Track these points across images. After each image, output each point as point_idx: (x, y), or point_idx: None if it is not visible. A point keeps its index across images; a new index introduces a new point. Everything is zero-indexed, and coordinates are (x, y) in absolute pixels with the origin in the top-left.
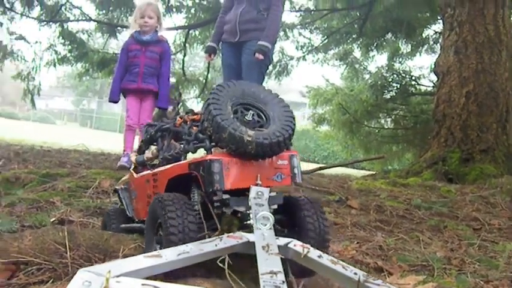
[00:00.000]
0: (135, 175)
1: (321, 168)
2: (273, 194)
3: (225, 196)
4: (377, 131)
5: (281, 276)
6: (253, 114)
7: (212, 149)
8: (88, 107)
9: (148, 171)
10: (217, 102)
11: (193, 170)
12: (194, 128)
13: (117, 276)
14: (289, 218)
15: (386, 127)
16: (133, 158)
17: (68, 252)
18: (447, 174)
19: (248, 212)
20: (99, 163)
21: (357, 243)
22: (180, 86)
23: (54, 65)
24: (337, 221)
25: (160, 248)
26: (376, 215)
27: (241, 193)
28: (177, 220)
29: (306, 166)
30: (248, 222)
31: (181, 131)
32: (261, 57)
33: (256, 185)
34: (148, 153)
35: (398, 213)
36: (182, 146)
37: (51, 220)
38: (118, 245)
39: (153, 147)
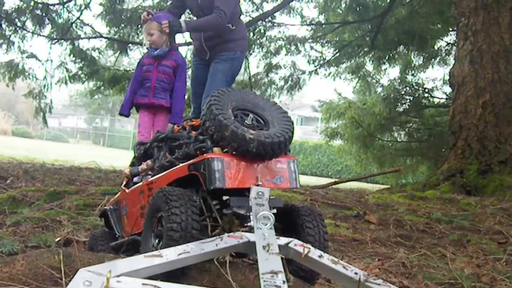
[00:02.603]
0: (126, 190)
1: (336, 183)
2: (273, 197)
3: (225, 197)
4: (390, 144)
5: (282, 276)
6: (252, 119)
7: (213, 149)
8: (101, 125)
9: (142, 183)
10: (219, 103)
11: (194, 170)
12: (193, 132)
13: (118, 275)
14: (289, 226)
15: (400, 140)
16: (126, 170)
17: (64, 279)
18: (465, 187)
19: (248, 214)
20: (111, 180)
21: (379, 260)
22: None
23: (66, 83)
24: (356, 237)
25: (159, 243)
26: (396, 230)
27: (241, 194)
28: (180, 216)
29: (320, 181)
30: (249, 224)
31: (180, 136)
32: (166, 29)
33: (257, 185)
34: (143, 165)
35: (419, 227)
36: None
37: (56, 240)
38: None
39: (148, 161)
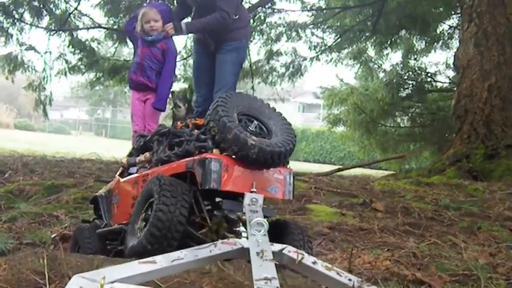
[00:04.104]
0: (120, 179)
1: (339, 170)
2: (265, 206)
3: (218, 199)
4: (393, 130)
5: (275, 283)
6: (256, 126)
7: (213, 150)
8: (102, 116)
9: (137, 174)
10: (225, 106)
11: (191, 168)
12: (196, 130)
13: (112, 282)
14: (276, 241)
15: (403, 126)
16: (124, 160)
17: (47, 285)
18: (472, 172)
19: (237, 218)
20: (112, 171)
21: (388, 250)
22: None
23: (65, 74)
24: (363, 226)
25: (145, 226)
26: (404, 218)
27: (235, 198)
28: (169, 207)
29: (323, 168)
30: (237, 229)
31: (182, 133)
32: (171, 31)
33: (251, 192)
34: (141, 157)
35: (427, 215)
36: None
37: (52, 236)
38: None
39: (146, 153)
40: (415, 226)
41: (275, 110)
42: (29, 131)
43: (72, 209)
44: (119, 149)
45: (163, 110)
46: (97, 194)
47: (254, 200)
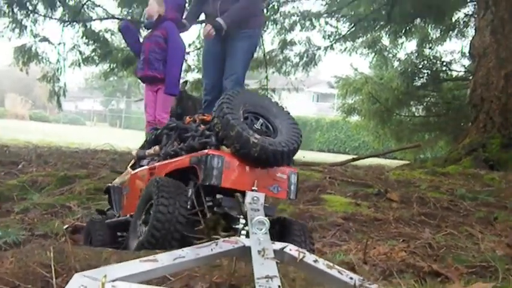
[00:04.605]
0: (131, 171)
1: (354, 160)
2: (266, 205)
3: (219, 196)
4: (408, 119)
5: (277, 281)
6: (261, 124)
7: (222, 148)
8: (117, 107)
9: (146, 167)
10: (230, 103)
11: (194, 164)
12: (202, 126)
13: (113, 280)
14: (277, 239)
15: (418, 115)
16: (134, 152)
17: (54, 279)
18: (488, 161)
19: (239, 216)
20: (125, 162)
21: (403, 241)
22: None
23: (79, 66)
24: (378, 216)
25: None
26: (419, 208)
27: (233, 196)
28: (168, 208)
29: (337, 158)
30: (236, 226)
31: (189, 128)
32: (212, 32)
33: (252, 190)
34: (150, 150)
35: (443, 205)
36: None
37: (65, 228)
38: None
39: (156, 146)
40: (431, 216)
41: (283, 108)
42: (44, 122)
43: (84, 200)
44: (133, 140)
45: (176, 95)
46: (109, 184)
47: (255, 198)
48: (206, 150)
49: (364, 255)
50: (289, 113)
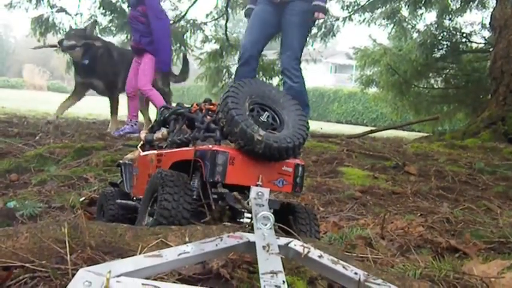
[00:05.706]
0: (141, 152)
1: (372, 132)
2: (271, 198)
3: (224, 190)
4: (427, 91)
5: (281, 276)
6: (268, 116)
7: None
8: None
9: (154, 151)
10: (235, 96)
11: (198, 158)
12: (208, 117)
13: (118, 276)
14: (282, 224)
15: (437, 87)
16: (142, 135)
17: (68, 255)
18: (507, 135)
19: (243, 210)
20: None
21: (421, 215)
22: (224, 51)
23: None
24: (395, 190)
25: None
26: (437, 182)
27: (240, 190)
28: (173, 196)
29: (355, 129)
30: (241, 220)
31: (195, 118)
32: (321, 15)
33: (257, 185)
34: (158, 134)
35: (461, 178)
36: (192, 132)
37: (81, 200)
38: (135, 242)
39: (164, 129)
40: (449, 190)
41: (290, 98)
42: (62, 93)
43: (101, 172)
44: (150, 112)
45: (167, 71)
46: (121, 161)
47: (260, 193)
48: (211, 146)
49: (382, 230)
50: (296, 103)
